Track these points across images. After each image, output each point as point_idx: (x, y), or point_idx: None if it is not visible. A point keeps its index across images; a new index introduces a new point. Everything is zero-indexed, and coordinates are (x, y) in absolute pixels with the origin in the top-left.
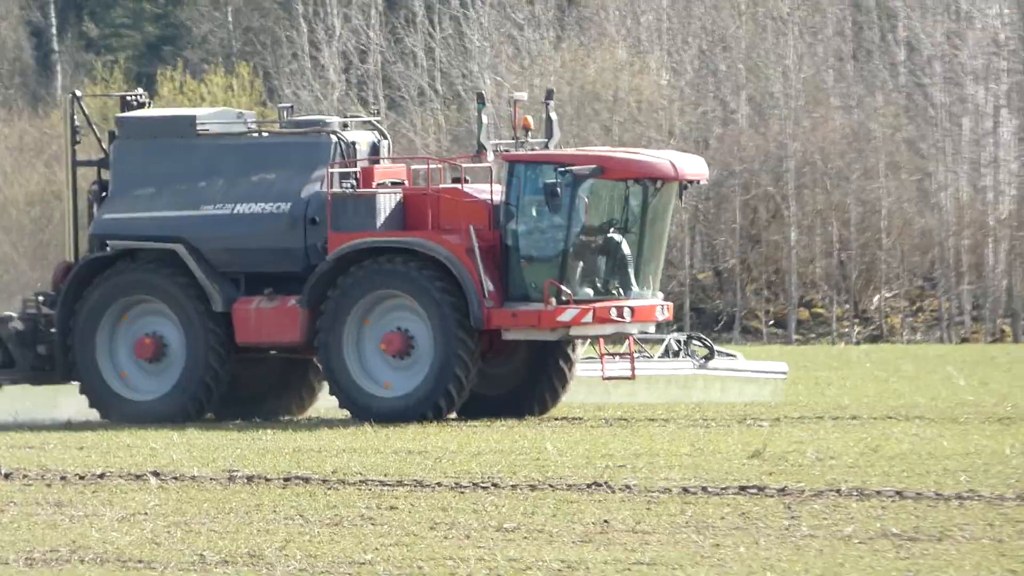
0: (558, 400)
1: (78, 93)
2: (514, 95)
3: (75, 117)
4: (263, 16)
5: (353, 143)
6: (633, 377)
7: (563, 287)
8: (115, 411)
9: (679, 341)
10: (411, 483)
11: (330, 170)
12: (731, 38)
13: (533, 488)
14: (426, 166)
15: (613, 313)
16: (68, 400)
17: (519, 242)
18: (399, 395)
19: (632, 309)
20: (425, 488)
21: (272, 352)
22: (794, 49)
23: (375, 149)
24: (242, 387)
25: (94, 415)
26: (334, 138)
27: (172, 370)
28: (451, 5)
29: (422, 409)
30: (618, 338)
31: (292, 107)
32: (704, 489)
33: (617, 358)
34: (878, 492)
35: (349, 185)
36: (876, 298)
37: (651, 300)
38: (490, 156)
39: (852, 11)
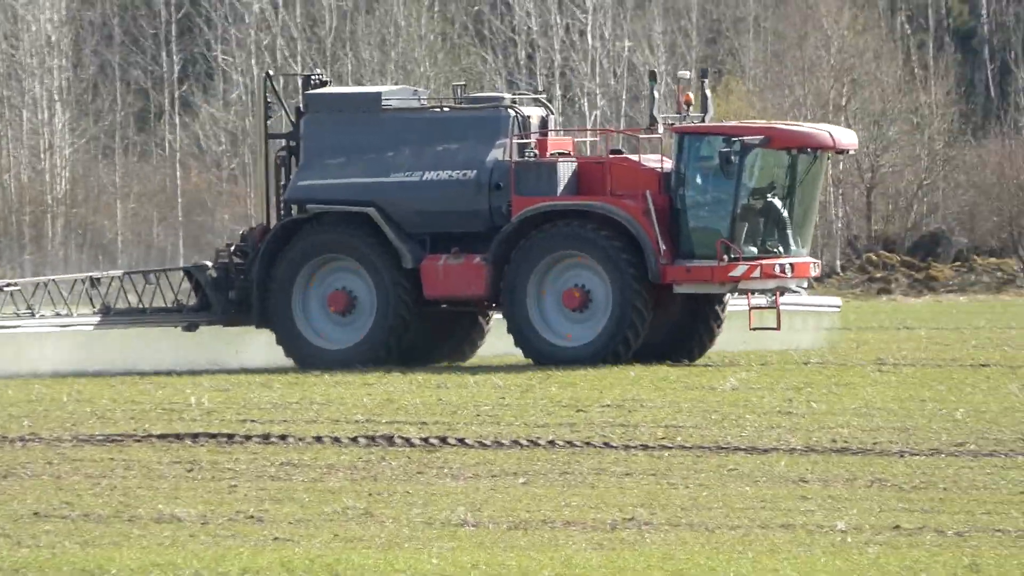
0: (706, 349)
1: (270, 73)
2: (679, 74)
3: (267, 95)
4: None
5: (527, 117)
6: (779, 328)
7: (732, 245)
8: (308, 358)
9: None
10: None
11: (512, 140)
12: None
13: None
14: (595, 139)
15: (777, 269)
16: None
17: (688, 205)
18: (579, 344)
19: (792, 265)
20: None
21: (444, 306)
22: None
23: (544, 123)
24: (414, 337)
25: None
26: (512, 112)
27: (362, 322)
28: None
29: (602, 356)
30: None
31: (465, 85)
32: None
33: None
34: None
35: (531, 154)
36: None
37: (807, 258)
38: (660, 128)
39: None
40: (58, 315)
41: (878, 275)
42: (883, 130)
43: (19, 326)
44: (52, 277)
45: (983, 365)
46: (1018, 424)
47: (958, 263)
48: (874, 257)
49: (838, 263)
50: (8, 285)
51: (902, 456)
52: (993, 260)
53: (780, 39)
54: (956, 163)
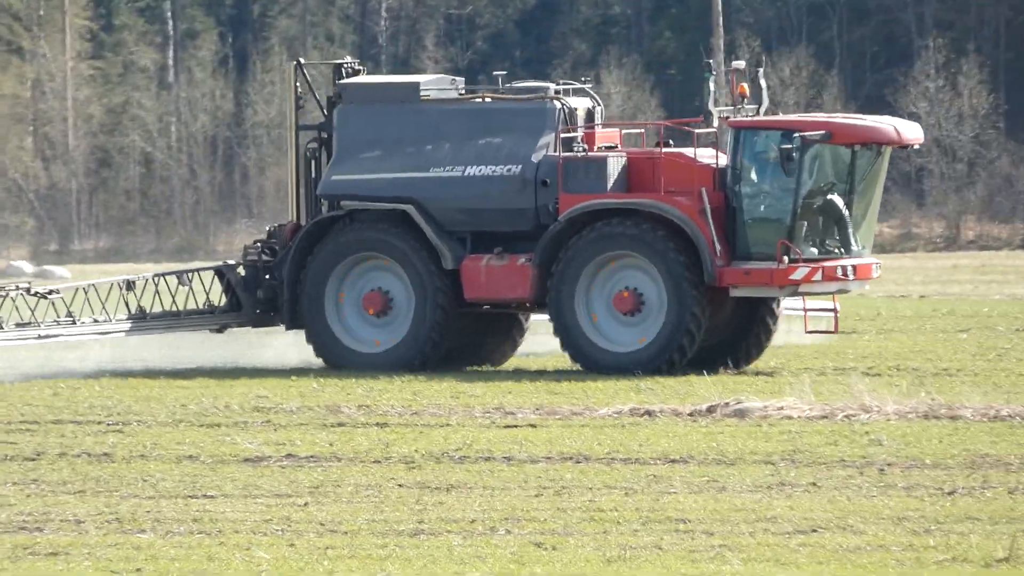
0: (762, 351)
1: (301, 60)
2: (733, 64)
3: (298, 84)
4: None
5: (574, 109)
6: (836, 331)
7: (792, 246)
8: (341, 360)
9: None
10: None
11: (560, 134)
12: None
13: None
14: (642, 130)
15: (840, 271)
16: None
17: (745, 204)
18: (631, 350)
19: (855, 267)
20: None
21: (486, 307)
22: None
23: (590, 115)
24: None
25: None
26: (559, 104)
27: (398, 324)
28: None
29: (656, 363)
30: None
31: (507, 73)
32: None
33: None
34: None
35: (581, 149)
36: None
37: (869, 259)
38: (715, 122)
39: None
40: (96, 321)
41: None
42: None
43: (60, 334)
44: (91, 282)
45: None
46: None
47: None
48: None
49: None
50: (51, 292)
51: None
52: None
53: None
54: None
